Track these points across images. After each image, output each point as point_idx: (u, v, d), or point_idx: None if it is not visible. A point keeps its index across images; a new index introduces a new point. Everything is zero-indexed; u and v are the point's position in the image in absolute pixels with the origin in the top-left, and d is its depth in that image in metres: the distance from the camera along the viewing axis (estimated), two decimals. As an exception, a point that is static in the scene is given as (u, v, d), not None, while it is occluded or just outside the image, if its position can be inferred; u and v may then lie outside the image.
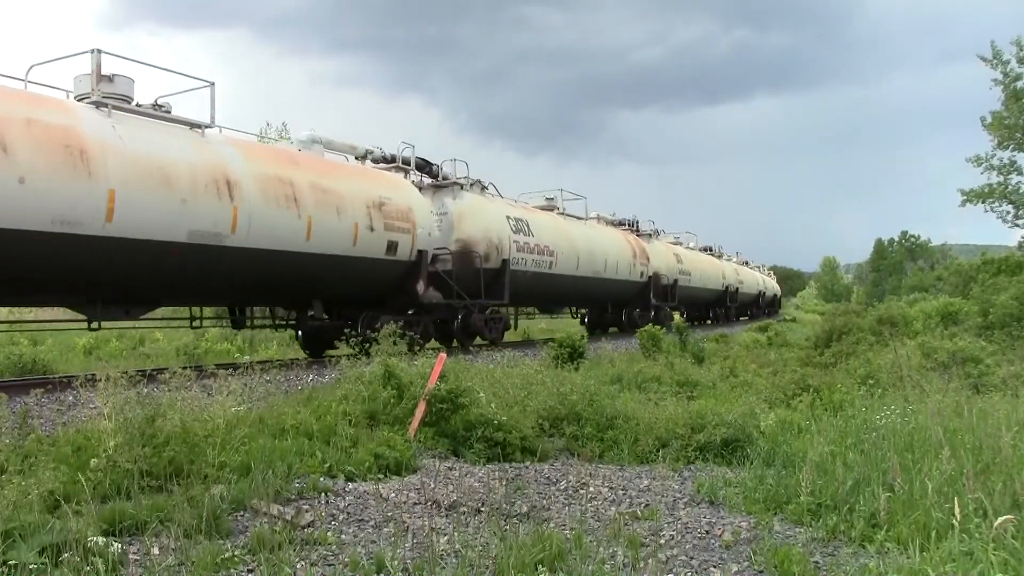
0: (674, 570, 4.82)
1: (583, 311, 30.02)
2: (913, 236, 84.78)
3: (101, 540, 4.43)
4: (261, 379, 8.24)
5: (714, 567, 4.88)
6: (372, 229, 14.45)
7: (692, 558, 5.07)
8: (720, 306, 43.06)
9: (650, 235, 32.65)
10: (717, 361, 16.29)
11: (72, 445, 6.19)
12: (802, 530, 5.63)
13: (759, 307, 54.08)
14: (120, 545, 4.62)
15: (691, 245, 40.54)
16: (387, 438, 7.62)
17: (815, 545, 5.29)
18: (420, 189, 18.02)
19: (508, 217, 20.11)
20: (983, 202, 24.90)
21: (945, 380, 9.90)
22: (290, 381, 10.71)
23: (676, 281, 33.02)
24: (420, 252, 15.90)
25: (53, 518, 4.70)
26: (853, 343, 16.58)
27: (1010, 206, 24.56)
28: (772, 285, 61.71)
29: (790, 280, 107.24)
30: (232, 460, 6.21)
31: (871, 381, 10.12)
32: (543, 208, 24.11)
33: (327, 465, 6.80)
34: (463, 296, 17.87)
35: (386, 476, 7.00)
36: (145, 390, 6.71)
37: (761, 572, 4.78)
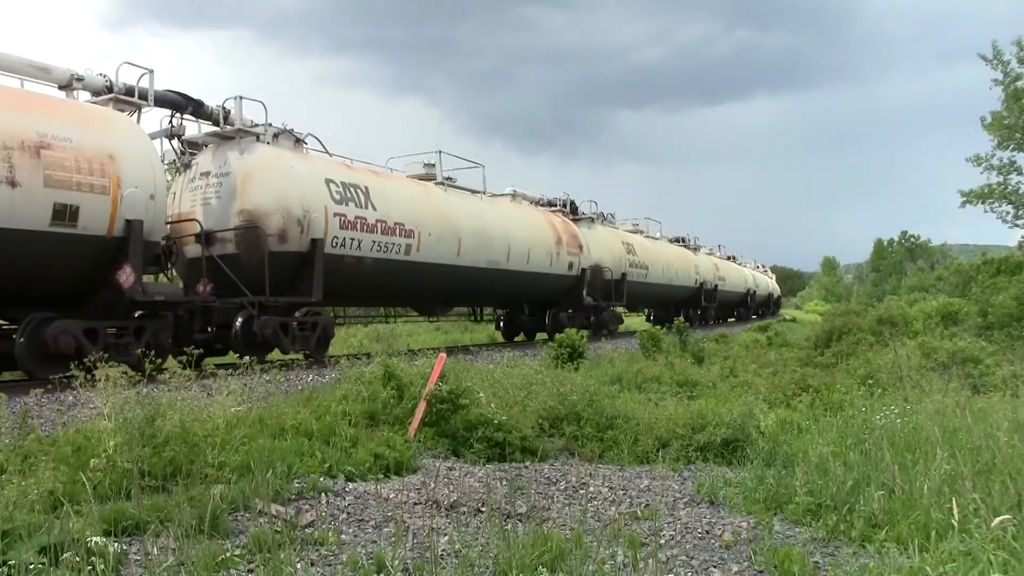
0: (674, 570, 4.82)
1: (499, 314, 24.65)
2: (913, 236, 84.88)
3: (101, 540, 4.43)
4: (261, 379, 8.24)
5: (714, 567, 4.88)
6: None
7: (692, 558, 5.07)
8: (694, 306, 36.53)
9: (592, 219, 26.68)
10: (717, 361, 16.30)
11: (72, 445, 6.19)
12: (802, 530, 5.63)
13: (748, 308, 48.52)
14: (120, 545, 4.61)
15: (656, 235, 34.67)
16: (387, 438, 7.62)
17: (815, 545, 5.29)
18: (175, 139, 13.69)
19: (330, 181, 14.43)
20: (983, 202, 24.90)
21: (945, 380, 9.91)
22: (290, 381, 10.70)
23: (624, 275, 26.73)
24: (128, 222, 10.74)
25: (53, 518, 4.70)
26: (853, 343, 16.59)
27: (1010, 206, 24.57)
28: (767, 284, 56.87)
29: (790, 280, 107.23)
30: (232, 460, 6.20)
31: (871, 381, 10.12)
32: (421, 178, 18.61)
33: (327, 465, 6.80)
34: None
35: (386, 476, 7.01)
36: (145, 390, 6.71)
37: (761, 572, 4.78)
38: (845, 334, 17.58)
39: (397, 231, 15.68)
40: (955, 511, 4.48)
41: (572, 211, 25.79)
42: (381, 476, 6.96)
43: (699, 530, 5.73)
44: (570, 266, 22.77)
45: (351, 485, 6.58)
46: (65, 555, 4.14)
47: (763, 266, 62.25)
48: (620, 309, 28.53)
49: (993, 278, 24.50)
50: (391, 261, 15.60)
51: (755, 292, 50.33)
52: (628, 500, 6.62)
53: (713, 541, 5.48)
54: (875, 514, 5.34)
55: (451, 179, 19.50)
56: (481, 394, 8.73)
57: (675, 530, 5.71)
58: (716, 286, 39.43)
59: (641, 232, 32.71)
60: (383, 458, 7.16)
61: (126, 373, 6.15)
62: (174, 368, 6.96)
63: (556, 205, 25.14)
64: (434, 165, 19.00)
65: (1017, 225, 24.84)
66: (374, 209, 15.16)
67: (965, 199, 25.35)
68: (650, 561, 4.73)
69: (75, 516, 4.66)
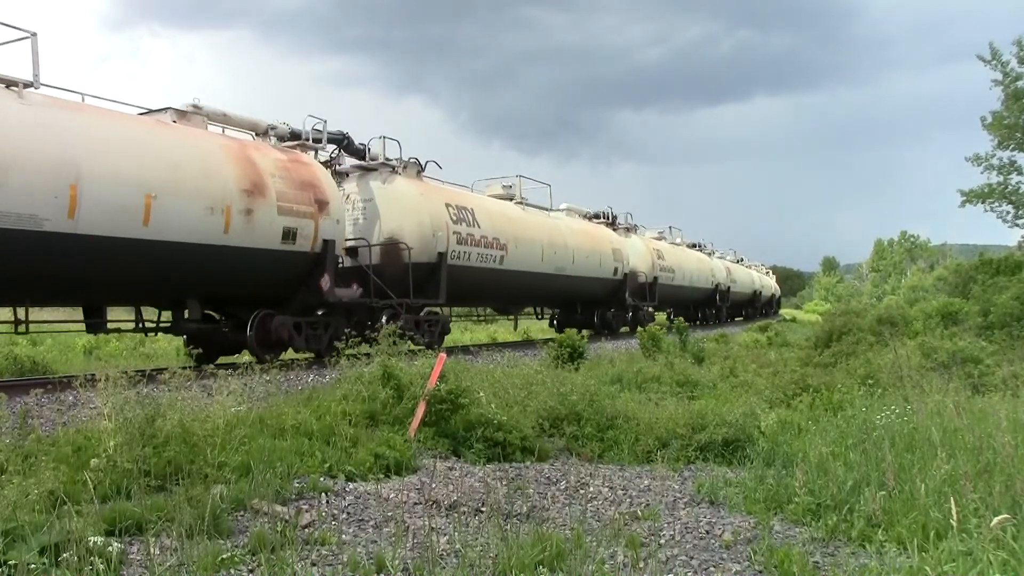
0: (674, 570, 4.83)
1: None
2: (913, 236, 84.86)
3: (101, 540, 4.44)
4: (261, 379, 8.24)
5: (714, 567, 4.88)
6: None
7: (692, 558, 5.07)
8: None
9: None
10: (717, 361, 16.28)
11: (72, 445, 6.20)
12: (802, 530, 5.64)
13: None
14: (120, 545, 4.62)
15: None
16: (387, 438, 7.62)
17: (815, 545, 5.29)
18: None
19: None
20: (983, 202, 24.93)
21: (945, 380, 9.90)
22: (290, 381, 10.70)
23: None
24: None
25: (53, 518, 4.71)
26: (853, 343, 16.56)
27: (1010, 206, 24.59)
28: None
29: (790, 280, 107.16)
30: (232, 460, 6.21)
31: (871, 381, 10.12)
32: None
33: (327, 465, 6.81)
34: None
35: (386, 476, 7.01)
36: (145, 390, 6.72)
37: (761, 572, 4.78)
38: (845, 334, 17.56)
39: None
40: (954, 511, 4.48)
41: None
42: (381, 476, 6.97)
43: (699, 530, 5.73)
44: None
45: (351, 485, 6.59)
46: (65, 555, 4.14)
47: (764, 267, 62.39)
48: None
49: (992, 278, 24.51)
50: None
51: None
52: (628, 500, 6.62)
53: (713, 541, 5.48)
54: (875, 514, 5.35)
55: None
56: (481, 394, 8.73)
57: (675, 530, 5.72)
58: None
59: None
60: (383, 458, 7.16)
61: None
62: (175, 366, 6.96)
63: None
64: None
65: (1017, 225, 24.89)
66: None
67: (965, 199, 25.38)
68: (650, 561, 4.74)
69: (75, 516, 4.66)
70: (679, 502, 6.57)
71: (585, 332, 23.74)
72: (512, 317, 26.05)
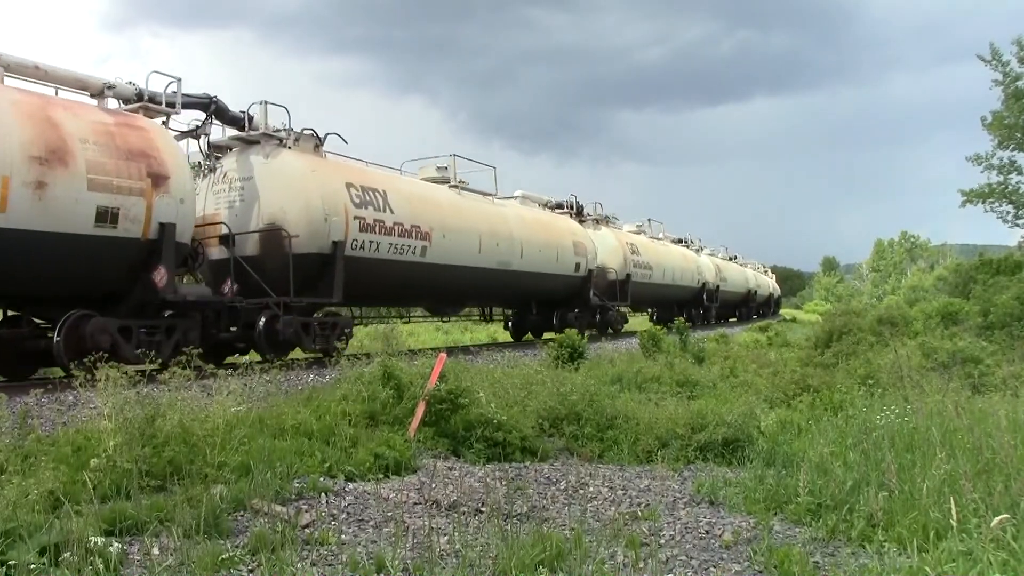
0: (674, 570, 4.82)
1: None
2: (913, 236, 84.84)
3: (101, 540, 4.43)
4: (261, 379, 8.24)
5: (714, 567, 4.88)
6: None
7: (692, 558, 5.07)
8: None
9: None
10: (717, 361, 16.29)
11: (72, 445, 6.20)
12: (802, 530, 5.63)
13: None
14: (120, 545, 4.62)
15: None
16: (387, 438, 7.62)
17: (815, 545, 5.29)
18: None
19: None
20: (983, 202, 24.94)
21: (945, 380, 9.90)
22: (290, 381, 10.70)
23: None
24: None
25: (53, 518, 4.71)
26: (853, 343, 16.57)
27: (1010, 206, 24.60)
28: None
29: (790, 280, 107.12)
30: (232, 460, 6.21)
31: (871, 381, 10.12)
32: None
33: (327, 465, 6.81)
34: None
35: (386, 476, 7.01)
36: (145, 390, 6.72)
37: (761, 572, 4.78)
38: (845, 334, 17.57)
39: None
40: (954, 511, 4.48)
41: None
42: (381, 476, 6.97)
43: (699, 530, 5.72)
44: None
45: (351, 485, 6.59)
46: (65, 555, 4.14)
47: (764, 266, 62.02)
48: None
49: (993, 278, 24.52)
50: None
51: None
52: (628, 500, 6.62)
53: (713, 541, 5.48)
54: (875, 514, 5.35)
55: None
56: (481, 394, 8.73)
57: (675, 530, 5.71)
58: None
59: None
60: (383, 458, 7.16)
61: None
62: (173, 368, 6.96)
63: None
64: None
65: (1017, 224, 24.91)
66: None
67: (966, 198, 25.39)
68: (650, 561, 4.73)
69: (75, 516, 4.66)
70: (679, 502, 6.56)
71: (586, 332, 22.76)
72: (447, 319, 23.81)
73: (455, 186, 19.10)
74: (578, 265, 23.03)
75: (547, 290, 22.28)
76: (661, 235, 35.70)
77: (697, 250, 39.66)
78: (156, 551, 4.54)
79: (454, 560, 4.76)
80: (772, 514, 5.97)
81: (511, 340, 23.81)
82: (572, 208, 25.86)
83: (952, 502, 4.55)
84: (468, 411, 8.34)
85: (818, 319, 37.22)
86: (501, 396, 9.08)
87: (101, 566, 4.11)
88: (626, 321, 27.19)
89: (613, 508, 6.33)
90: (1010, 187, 24.41)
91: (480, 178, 20.73)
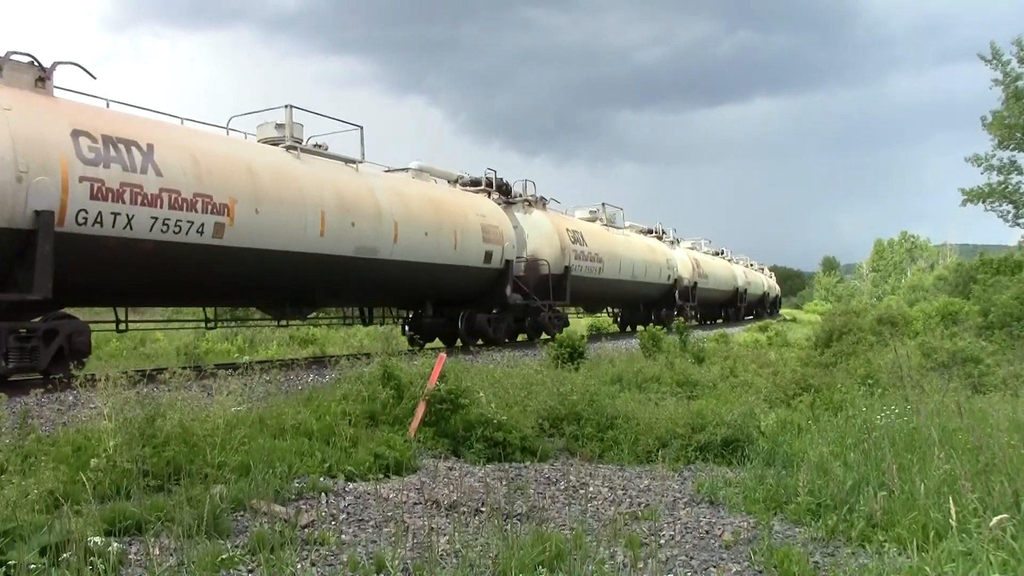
0: (674, 570, 4.83)
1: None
2: (913, 236, 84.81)
3: (101, 540, 4.43)
4: (261, 379, 8.24)
5: (714, 567, 4.88)
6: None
7: (692, 558, 5.07)
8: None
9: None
10: (717, 361, 16.29)
11: (72, 445, 6.20)
12: (802, 530, 5.64)
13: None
14: (120, 545, 4.62)
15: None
16: (387, 438, 7.62)
17: (815, 545, 5.29)
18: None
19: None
20: (983, 202, 24.95)
21: (945, 380, 9.91)
22: (290, 381, 10.71)
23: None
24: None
25: (53, 518, 4.71)
26: (853, 343, 16.57)
27: (1010, 206, 24.61)
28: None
29: (790, 280, 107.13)
30: (232, 460, 6.21)
31: (871, 381, 10.13)
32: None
33: (327, 465, 6.81)
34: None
35: (386, 476, 7.01)
36: (145, 390, 6.72)
37: (761, 572, 4.78)
38: (845, 334, 17.57)
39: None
40: (954, 511, 4.48)
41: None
42: (381, 476, 6.97)
43: (699, 530, 5.73)
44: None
45: (351, 485, 6.59)
46: (65, 555, 4.14)
47: (761, 265, 61.63)
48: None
49: (993, 278, 24.53)
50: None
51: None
52: (628, 500, 6.62)
53: (713, 541, 5.48)
54: (875, 514, 5.35)
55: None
56: (481, 394, 8.73)
57: (675, 530, 5.72)
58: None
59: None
60: (383, 458, 7.16)
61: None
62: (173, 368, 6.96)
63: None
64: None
65: (1017, 224, 24.92)
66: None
67: (966, 198, 25.40)
68: (650, 561, 4.73)
69: (75, 516, 4.66)
70: (679, 502, 6.57)
71: (585, 333, 25.70)
72: (286, 323, 21.80)
73: (292, 147, 14.20)
74: (488, 255, 18.50)
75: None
76: (624, 224, 30.53)
77: (671, 242, 34.91)
78: (156, 551, 4.54)
79: (454, 560, 4.76)
80: (772, 514, 5.97)
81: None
82: (491, 185, 20.91)
83: (952, 502, 4.55)
84: (468, 411, 8.34)
85: (818, 319, 37.15)
86: (501, 396, 9.08)
87: (101, 566, 4.11)
88: (566, 324, 22.57)
89: (613, 508, 6.33)
90: (1010, 187, 24.43)
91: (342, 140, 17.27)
